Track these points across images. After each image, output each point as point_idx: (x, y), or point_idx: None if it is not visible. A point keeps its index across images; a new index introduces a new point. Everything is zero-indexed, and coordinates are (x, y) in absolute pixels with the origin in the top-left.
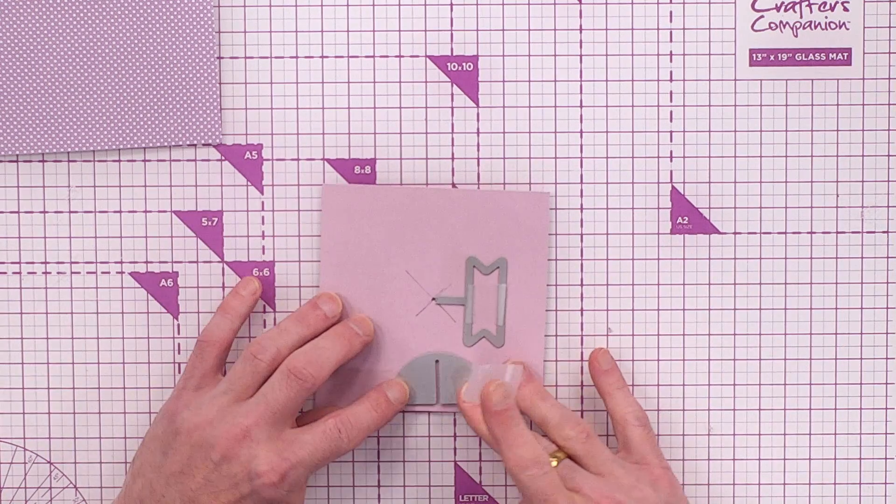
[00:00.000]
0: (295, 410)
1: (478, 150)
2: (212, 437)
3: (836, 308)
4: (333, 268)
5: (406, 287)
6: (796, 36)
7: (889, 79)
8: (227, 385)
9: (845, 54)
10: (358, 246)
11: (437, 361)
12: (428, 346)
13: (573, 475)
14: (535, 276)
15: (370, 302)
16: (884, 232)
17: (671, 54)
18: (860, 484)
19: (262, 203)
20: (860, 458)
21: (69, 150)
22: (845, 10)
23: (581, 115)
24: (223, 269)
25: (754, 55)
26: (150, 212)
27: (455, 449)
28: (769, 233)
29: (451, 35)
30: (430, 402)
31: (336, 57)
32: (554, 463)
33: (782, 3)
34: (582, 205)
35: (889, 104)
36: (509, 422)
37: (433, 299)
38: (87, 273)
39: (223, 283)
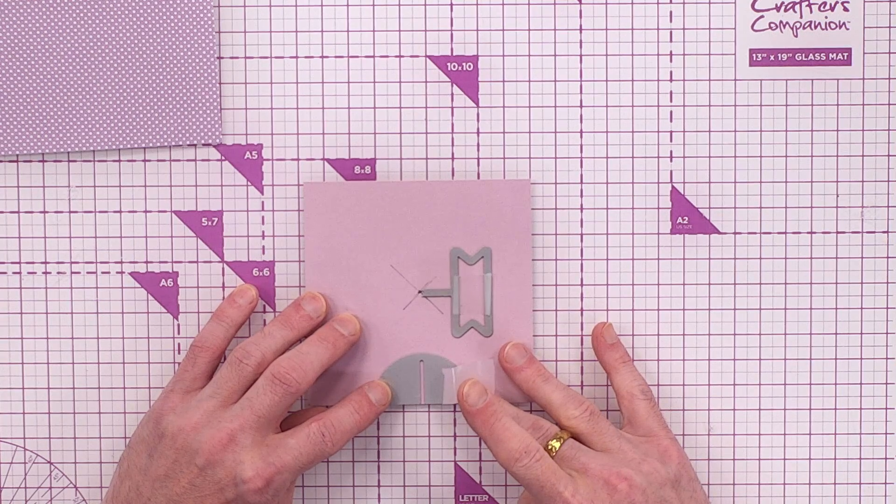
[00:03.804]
0: (280, 415)
1: (478, 150)
2: (196, 442)
3: (836, 308)
4: (318, 266)
5: (391, 281)
6: (796, 36)
7: (889, 79)
8: (212, 389)
9: (845, 54)
10: (342, 243)
11: (421, 362)
12: (416, 341)
13: (578, 455)
14: (520, 264)
15: (356, 298)
16: (884, 232)
17: (671, 54)
18: (860, 484)
19: (262, 203)
20: (860, 458)
21: (69, 150)
22: (845, 10)
23: (581, 115)
24: (223, 269)
25: (754, 55)
26: (150, 212)
27: (455, 449)
28: (769, 233)
29: (451, 35)
30: (415, 402)
31: (336, 57)
32: (557, 444)
33: (782, 3)
34: (582, 205)
35: (889, 104)
36: (491, 418)
37: (419, 292)
38: (87, 273)
39: (223, 283)
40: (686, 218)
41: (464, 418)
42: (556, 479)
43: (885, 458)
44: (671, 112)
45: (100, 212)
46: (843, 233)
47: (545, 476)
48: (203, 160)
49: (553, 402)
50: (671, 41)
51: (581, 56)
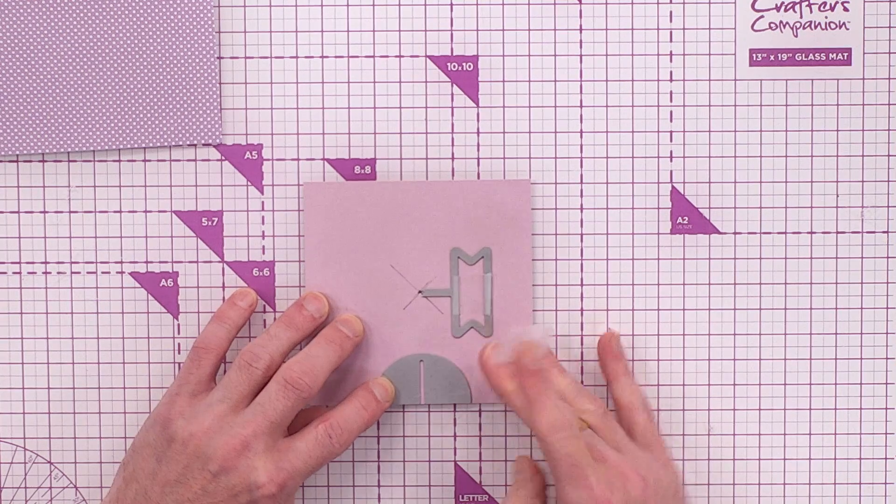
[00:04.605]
0: (291, 419)
1: (478, 150)
2: (209, 447)
3: (836, 308)
4: (318, 266)
5: (391, 281)
6: (796, 36)
7: (889, 79)
8: (222, 393)
9: (845, 54)
10: (342, 243)
11: (421, 361)
12: (416, 342)
13: (596, 444)
14: (520, 265)
15: (357, 298)
16: (884, 232)
17: (671, 54)
18: (860, 484)
19: (262, 203)
20: (860, 458)
21: (69, 150)
22: (845, 10)
23: (581, 115)
24: (223, 269)
25: (754, 55)
26: (150, 212)
27: (455, 449)
28: (769, 233)
29: (451, 35)
30: (415, 402)
31: (336, 57)
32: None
33: (782, 3)
34: (582, 205)
35: (889, 104)
36: (544, 383)
37: (419, 292)
38: (87, 273)
39: (223, 283)
40: (686, 218)
41: (491, 376)
42: (587, 462)
43: (885, 458)
44: (671, 112)
45: (100, 212)
46: (843, 233)
47: (579, 454)
48: (203, 160)
49: (568, 394)
50: (671, 41)
51: (581, 56)
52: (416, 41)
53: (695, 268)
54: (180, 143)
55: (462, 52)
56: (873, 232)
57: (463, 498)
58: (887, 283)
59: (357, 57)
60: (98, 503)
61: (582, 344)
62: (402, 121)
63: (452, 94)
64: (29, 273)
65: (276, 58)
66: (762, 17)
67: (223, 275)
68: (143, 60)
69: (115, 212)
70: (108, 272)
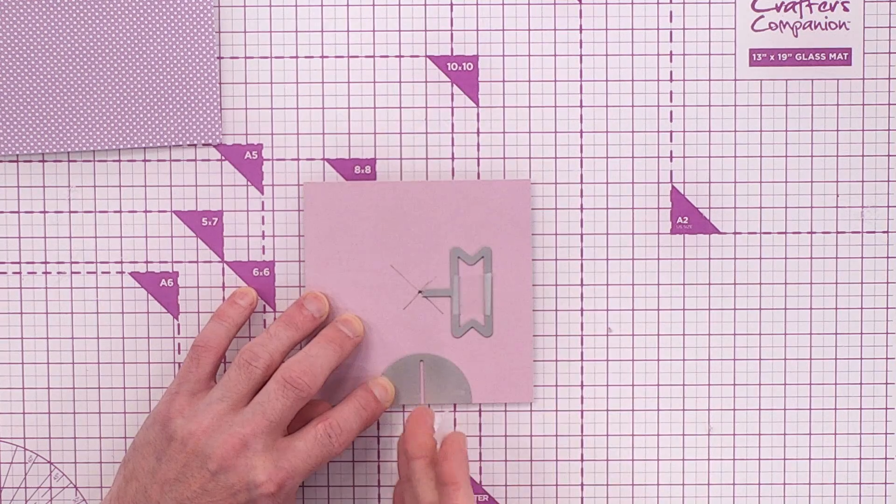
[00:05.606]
0: (290, 419)
1: (478, 150)
2: (208, 446)
3: (836, 308)
4: (318, 266)
5: (391, 281)
6: (796, 36)
7: (889, 79)
8: (221, 392)
9: (845, 54)
10: (342, 243)
11: (421, 361)
12: (416, 342)
13: None
14: (520, 264)
15: (357, 298)
16: (884, 232)
17: (671, 54)
18: (860, 484)
19: (262, 203)
20: (860, 458)
21: (69, 150)
22: (845, 10)
23: (581, 115)
24: (223, 269)
25: (754, 55)
26: (150, 212)
27: None
28: (769, 233)
29: (451, 35)
30: (415, 402)
31: (336, 57)
32: None
33: (782, 3)
34: (582, 205)
35: (889, 104)
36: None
37: (419, 292)
38: (87, 273)
39: (223, 283)
40: (686, 218)
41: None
42: None
43: (885, 458)
44: (671, 112)
45: (100, 212)
46: (843, 233)
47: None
48: (203, 160)
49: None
50: (671, 41)
51: (581, 56)
52: (416, 41)
53: (695, 268)
54: (180, 143)
55: (462, 52)
56: (873, 232)
57: None
58: (887, 283)
59: (357, 57)
60: (98, 503)
61: (582, 344)
62: (402, 121)
63: (452, 94)
64: (29, 273)
65: (276, 58)
66: (762, 17)
67: (223, 275)
68: (143, 60)
69: (115, 212)
70: (108, 272)
